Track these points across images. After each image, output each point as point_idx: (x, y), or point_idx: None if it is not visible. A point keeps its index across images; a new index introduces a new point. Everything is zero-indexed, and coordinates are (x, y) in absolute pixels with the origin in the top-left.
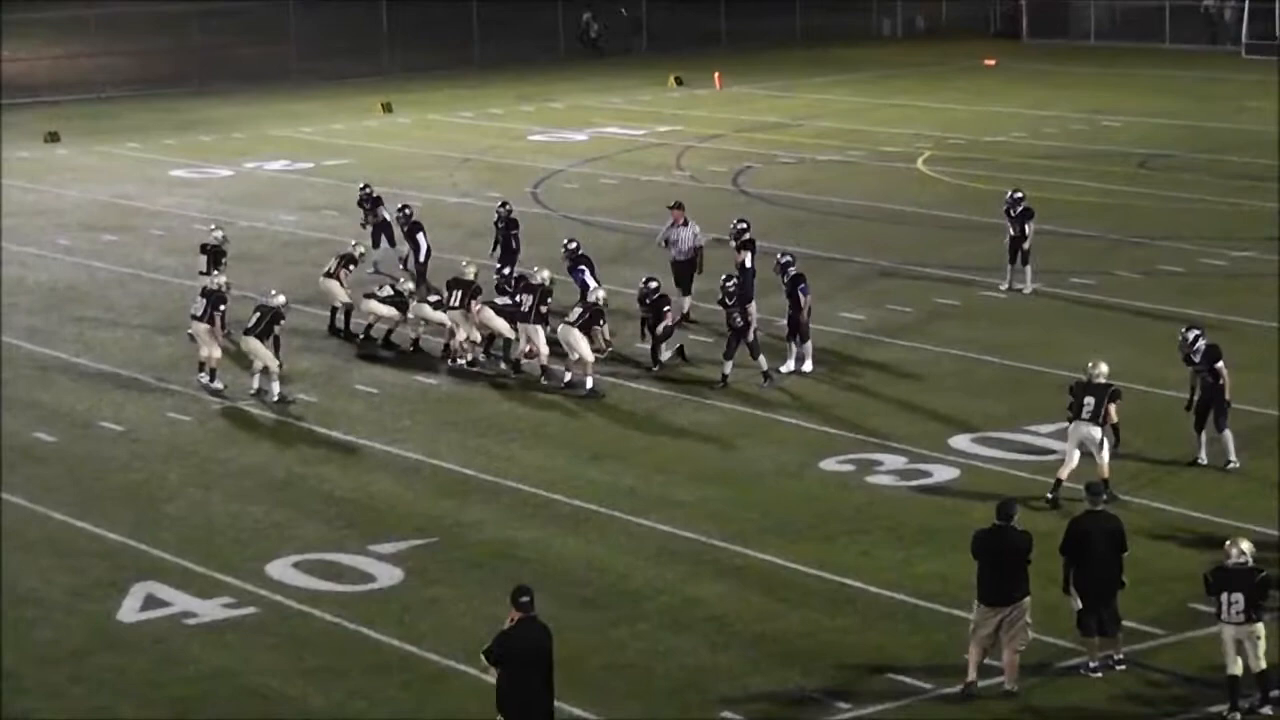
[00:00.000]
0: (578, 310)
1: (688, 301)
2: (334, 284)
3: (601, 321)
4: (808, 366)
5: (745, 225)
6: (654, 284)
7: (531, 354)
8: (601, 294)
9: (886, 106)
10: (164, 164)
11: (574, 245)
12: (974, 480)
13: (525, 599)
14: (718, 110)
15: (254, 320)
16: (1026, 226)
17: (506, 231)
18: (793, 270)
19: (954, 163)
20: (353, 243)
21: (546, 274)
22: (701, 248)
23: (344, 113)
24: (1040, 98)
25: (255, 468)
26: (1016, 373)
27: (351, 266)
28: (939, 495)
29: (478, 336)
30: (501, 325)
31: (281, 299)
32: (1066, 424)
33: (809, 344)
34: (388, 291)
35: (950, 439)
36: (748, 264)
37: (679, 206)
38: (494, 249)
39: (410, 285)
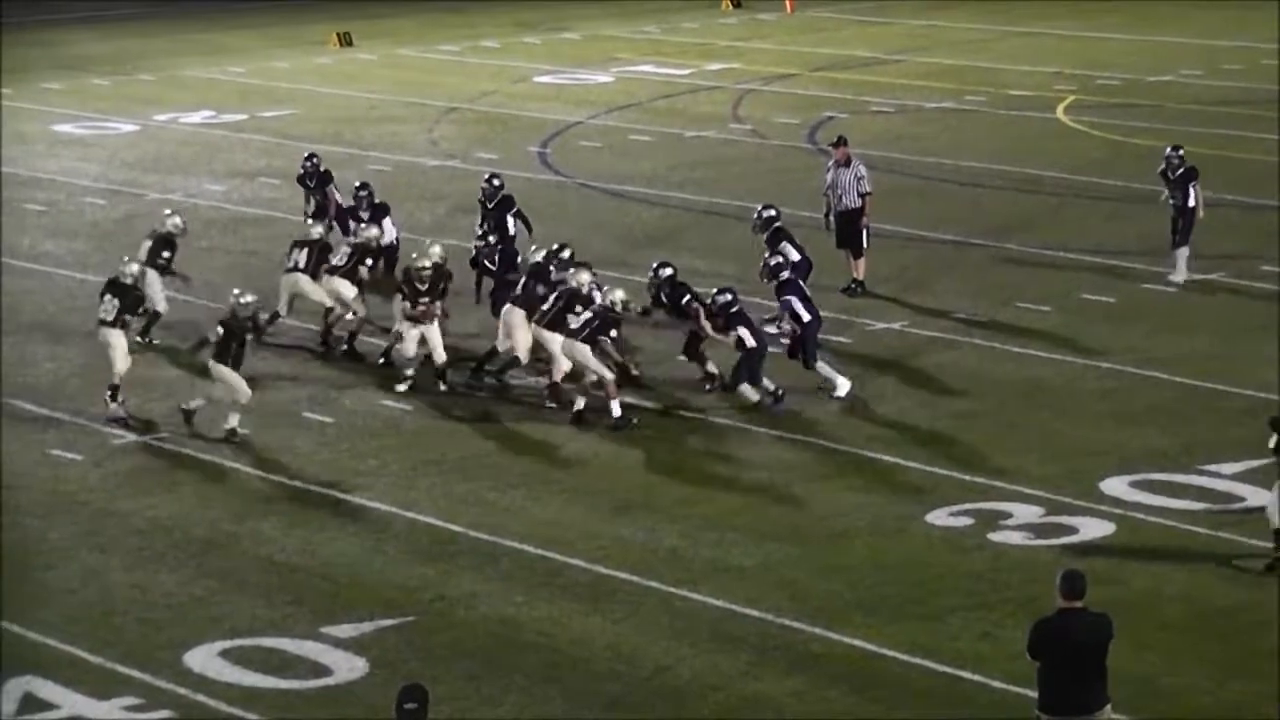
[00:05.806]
0: (585, 316)
1: (862, 266)
2: (302, 279)
3: (612, 333)
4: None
5: (775, 211)
6: (726, 296)
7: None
8: (619, 295)
9: (1016, 35)
10: (45, 116)
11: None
12: (1134, 537)
13: (411, 705)
14: (789, 41)
15: (219, 337)
16: (1192, 190)
17: (499, 213)
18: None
19: (1106, 111)
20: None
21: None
22: (870, 194)
23: (287, 46)
24: (1223, 21)
25: (170, 524)
26: (1191, 393)
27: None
28: (1088, 557)
29: (440, 356)
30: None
31: (250, 298)
32: (1261, 462)
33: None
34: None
35: (1102, 482)
36: (792, 255)
37: (841, 143)
38: (481, 231)
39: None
